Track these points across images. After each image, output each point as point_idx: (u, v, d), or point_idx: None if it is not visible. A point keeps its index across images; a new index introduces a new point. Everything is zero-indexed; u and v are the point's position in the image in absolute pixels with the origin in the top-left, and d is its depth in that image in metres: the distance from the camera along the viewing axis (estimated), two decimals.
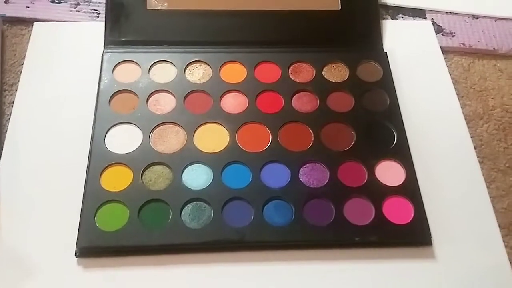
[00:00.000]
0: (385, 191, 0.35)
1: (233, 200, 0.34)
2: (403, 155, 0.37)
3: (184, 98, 0.39)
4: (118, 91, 0.39)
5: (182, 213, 0.34)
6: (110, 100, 0.38)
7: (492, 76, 0.45)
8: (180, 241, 0.33)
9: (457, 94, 0.42)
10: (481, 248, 0.34)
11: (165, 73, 0.40)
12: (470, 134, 0.40)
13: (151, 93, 0.39)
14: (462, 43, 0.46)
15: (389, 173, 0.37)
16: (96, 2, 0.47)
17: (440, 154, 0.39)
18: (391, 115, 0.40)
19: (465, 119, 0.41)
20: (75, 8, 0.46)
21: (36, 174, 0.36)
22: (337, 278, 0.33)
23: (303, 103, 0.40)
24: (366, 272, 0.33)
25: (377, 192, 0.35)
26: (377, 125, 0.39)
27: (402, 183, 0.36)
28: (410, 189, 0.36)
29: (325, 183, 0.36)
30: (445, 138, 0.40)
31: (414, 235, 0.34)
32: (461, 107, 0.42)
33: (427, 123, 0.40)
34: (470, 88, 0.44)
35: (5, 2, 0.46)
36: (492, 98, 0.43)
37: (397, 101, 0.40)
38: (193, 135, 0.37)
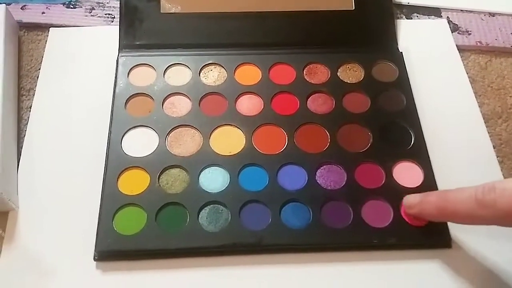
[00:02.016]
0: (404, 192, 0.35)
1: (250, 203, 0.34)
2: (420, 156, 0.37)
3: (200, 101, 0.39)
4: (133, 94, 0.39)
5: (200, 216, 0.34)
6: (126, 103, 0.38)
7: (510, 74, 0.44)
8: (198, 245, 0.33)
9: (474, 93, 0.42)
10: (502, 249, 0.34)
11: (180, 76, 0.40)
12: (489, 133, 0.40)
13: (167, 96, 0.39)
14: (478, 41, 0.45)
15: (407, 174, 0.36)
16: (110, 6, 0.47)
17: (458, 154, 0.38)
18: (407, 116, 0.39)
19: (483, 118, 0.40)
20: (90, 13, 0.47)
21: (53, 177, 0.36)
22: (355, 281, 0.32)
23: (319, 104, 0.40)
24: (384, 274, 0.33)
25: (395, 194, 0.35)
26: (394, 126, 0.39)
27: (420, 184, 0.36)
28: (428, 190, 0.35)
29: (342, 185, 0.35)
30: (463, 138, 0.39)
31: (434, 238, 0.34)
32: (479, 106, 0.41)
33: (445, 122, 0.40)
34: (487, 87, 0.43)
35: (21, 8, 0.46)
36: (510, 96, 0.42)
37: (414, 101, 0.40)
38: (209, 138, 0.37)
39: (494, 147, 0.39)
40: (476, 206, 0.28)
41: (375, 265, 0.33)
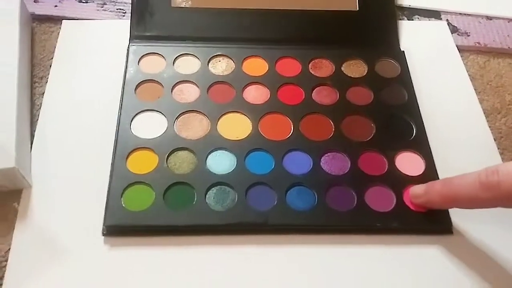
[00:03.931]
0: (406, 180, 0.36)
1: (257, 185, 0.35)
2: (422, 146, 0.38)
3: (208, 89, 0.40)
4: (143, 80, 0.40)
5: (207, 196, 0.34)
6: (135, 89, 0.39)
7: (508, 73, 0.45)
8: (205, 222, 0.33)
9: (474, 90, 0.43)
10: (503, 236, 0.35)
11: (189, 65, 0.42)
12: (489, 127, 0.41)
13: (176, 84, 0.40)
14: (477, 42, 0.47)
15: (409, 163, 0.37)
16: (122, 2, 0.49)
17: (460, 146, 0.39)
18: (409, 109, 0.40)
19: (484, 114, 0.42)
20: (102, 7, 0.48)
21: (65, 158, 0.37)
22: (357, 263, 0.33)
23: (323, 96, 0.41)
24: (386, 258, 0.33)
25: (397, 181, 0.36)
26: (396, 118, 0.40)
27: (422, 173, 0.37)
28: (430, 179, 0.36)
29: (346, 171, 0.36)
30: (464, 131, 0.40)
31: (435, 223, 0.35)
32: (479, 102, 0.42)
33: (446, 116, 0.41)
34: (486, 85, 0.44)
35: (34, 1, 0.48)
36: (509, 93, 0.44)
37: (415, 96, 0.41)
38: (217, 123, 0.38)
39: (494, 140, 0.40)
40: (480, 189, 0.29)
41: (377, 248, 0.34)
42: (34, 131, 0.38)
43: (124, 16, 0.47)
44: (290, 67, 0.42)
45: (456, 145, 0.39)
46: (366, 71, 0.43)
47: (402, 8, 0.50)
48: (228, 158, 0.36)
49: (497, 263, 0.34)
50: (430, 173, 0.36)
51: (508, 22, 0.49)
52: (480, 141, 0.40)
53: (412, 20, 0.49)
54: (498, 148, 0.40)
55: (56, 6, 0.47)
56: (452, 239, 0.34)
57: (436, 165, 0.37)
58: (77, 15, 0.47)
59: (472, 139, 0.40)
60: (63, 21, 0.46)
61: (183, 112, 0.38)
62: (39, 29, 0.46)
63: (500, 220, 0.35)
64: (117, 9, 0.48)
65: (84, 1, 0.48)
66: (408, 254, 0.34)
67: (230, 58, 0.42)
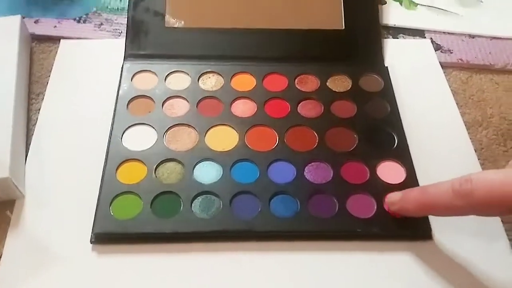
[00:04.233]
0: (387, 188, 0.37)
1: (241, 194, 0.36)
2: (403, 156, 0.39)
3: (197, 104, 0.42)
4: (135, 96, 0.42)
5: (193, 204, 0.35)
6: (128, 104, 0.41)
7: (489, 88, 0.47)
8: (190, 230, 0.34)
9: (456, 104, 0.45)
10: (483, 241, 0.35)
11: (180, 81, 0.43)
12: (470, 139, 0.42)
13: (167, 99, 0.42)
14: (460, 59, 0.49)
15: (390, 172, 0.38)
16: (118, 23, 0.51)
17: (441, 156, 0.40)
18: (392, 121, 0.42)
19: (465, 126, 0.43)
20: (99, 27, 0.50)
21: (58, 170, 0.38)
22: (339, 269, 0.34)
23: (308, 109, 0.42)
24: (367, 264, 0.34)
25: (378, 189, 0.37)
26: (379, 130, 0.41)
27: (403, 181, 0.38)
28: (410, 187, 0.37)
29: (329, 180, 0.37)
30: (445, 142, 0.41)
31: (415, 229, 0.35)
32: (461, 115, 0.44)
33: (428, 128, 0.42)
34: (468, 99, 0.46)
35: (35, 22, 0.50)
36: (490, 107, 0.45)
37: (397, 109, 0.43)
38: (205, 136, 0.39)
39: (475, 151, 0.41)
40: (454, 197, 0.30)
41: (358, 254, 0.35)
42: (29, 144, 0.40)
43: (120, 35, 0.50)
44: (277, 82, 0.44)
45: (437, 156, 0.40)
46: (350, 86, 0.44)
47: (387, 28, 0.52)
48: (214, 169, 0.38)
49: (475, 269, 0.34)
50: (410, 182, 0.38)
51: (490, 40, 0.51)
52: (461, 152, 0.41)
53: (397, 38, 0.51)
54: (479, 159, 0.41)
55: (55, 26, 0.50)
56: (431, 244, 0.35)
57: (417, 175, 0.38)
58: (75, 35, 0.49)
59: (453, 150, 0.41)
60: (61, 40, 0.48)
61: (173, 125, 0.40)
62: (38, 48, 0.49)
63: (479, 227, 0.36)
64: (113, 29, 0.50)
65: (82, 21, 0.51)
66: (388, 260, 0.34)
67: (220, 75, 0.44)
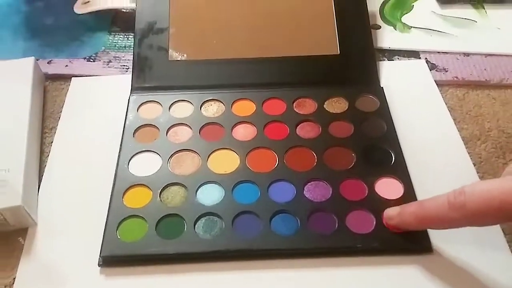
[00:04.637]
0: (385, 203, 0.38)
1: (243, 214, 0.37)
2: (401, 172, 0.40)
3: (200, 130, 0.44)
4: (141, 125, 0.44)
5: (196, 226, 0.37)
6: (134, 133, 0.43)
7: (486, 103, 0.48)
8: (194, 250, 0.35)
9: (453, 120, 0.46)
10: (484, 252, 0.36)
11: (183, 110, 0.46)
12: (468, 153, 0.43)
13: (171, 127, 0.44)
14: (455, 77, 0.50)
15: (388, 188, 0.39)
16: (126, 59, 0.54)
17: (439, 171, 0.41)
18: (388, 139, 0.43)
19: (463, 141, 0.44)
20: (107, 65, 0.53)
21: (68, 199, 0.40)
22: (340, 285, 0.34)
23: (307, 131, 0.44)
24: (368, 279, 0.35)
25: (377, 205, 0.38)
26: (376, 148, 0.42)
27: (401, 196, 0.38)
28: (408, 202, 0.37)
29: (328, 197, 0.38)
30: (443, 157, 0.42)
31: (415, 243, 0.36)
32: (458, 131, 0.45)
33: (425, 144, 0.43)
34: (466, 114, 0.47)
35: (48, 63, 0.53)
36: (488, 121, 0.46)
37: (394, 127, 0.44)
38: (207, 160, 0.41)
39: (474, 165, 0.42)
40: (449, 210, 0.30)
41: (359, 270, 0.35)
42: (42, 175, 0.42)
43: (127, 71, 0.52)
44: (275, 107, 0.46)
45: (435, 170, 0.41)
46: (347, 107, 0.46)
47: (382, 50, 0.53)
48: (217, 191, 0.39)
49: (477, 280, 0.34)
50: (408, 197, 0.38)
51: (485, 57, 0.52)
52: (459, 166, 0.42)
53: (392, 60, 0.52)
54: (478, 172, 0.41)
55: (67, 65, 0.53)
56: (432, 258, 0.35)
57: (416, 190, 0.39)
58: (85, 73, 0.52)
59: (451, 164, 0.42)
60: (72, 78, 0.51)
61: (177, 151, 0.42)
62: (52, 87, 0.52)
63: (479, 238, 0.36)
64: (121, 65, 0.53)
65: (92, 60, 0.54)
66: (389, 274, 0.35)
67: (221, 102, 0.46)
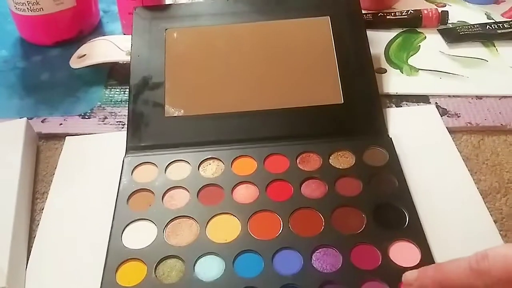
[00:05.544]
0: (401, 273, 0.34)
1: None
2: (416, 235, 0.37)
3: (198, 193, 0.41)
4: (136, 190, 0.41)
5: None
6: (128, 199, 0.41)
7: (504, 150, 0.45)
8: None
9: (469, 170, 0.42)
10: None
11: (180, 171, 0.43)
12: (488, 208, 0.39)
13: (167, 190, 0.41)
14: (468, 122, 0.47)
15: (403, 254, 0.36)
16: (121, 115, 0.52)
17: (458, 230, 0.38)
18: (400, 196, 0.40)
19: (481, 194, 0.40)
20: (103, 121, 0.51)
21: (58, 276, 0.37)
22: None
23: (312, 190, 0.41)
24: None
25: (392, 274, 0.34)
26: (387, 207, 0.39)
27: (418, 263, 0.35)
28: None
29: (338, 267, 0.35)
30: (461, 214, 0.39)
31: None
32: (475, 183, 0.41)
33: (440, 201, 0.40)
34: (482, 164, 0.44)
35: (42, 122, 0.51)
36: (507, 171, 0.43)
37: (406, 182, 0.41)
38: (206, 227, 0.38)
39: (495, 222, 0.39)
40: (472, 276, 0.28)
41: None
42: (31, 248, 0.40)
43: (123, 128, 0.50)
44: (278, 163, 0.43)
45: (453, 230, 0.38)
46: (354, 162, 0.43)
47: (389, 96, 0.51)
48: (216, 263, 0.36)
49: None
50: (426, 263, 0.35)
51: (499, 99, 0.50)
52: (479, 224, 0.38)
53: (401, 106, 0.50)
54: (500, 230, 0.38)
55: (61, 124, 0.51)
56: None
57: (433, 253, 0.36)
58: (80, 131, 0.50)
59: (470, 222, 0.38)
60: (66, 137, 0.49)
61: (173, 219, 0.39)
62: (45, 147, 0.50)
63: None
64: (117, 121, 0.51)
65: (87, 117, 0.52)
66: None
67: (220, 160, 0.44)
